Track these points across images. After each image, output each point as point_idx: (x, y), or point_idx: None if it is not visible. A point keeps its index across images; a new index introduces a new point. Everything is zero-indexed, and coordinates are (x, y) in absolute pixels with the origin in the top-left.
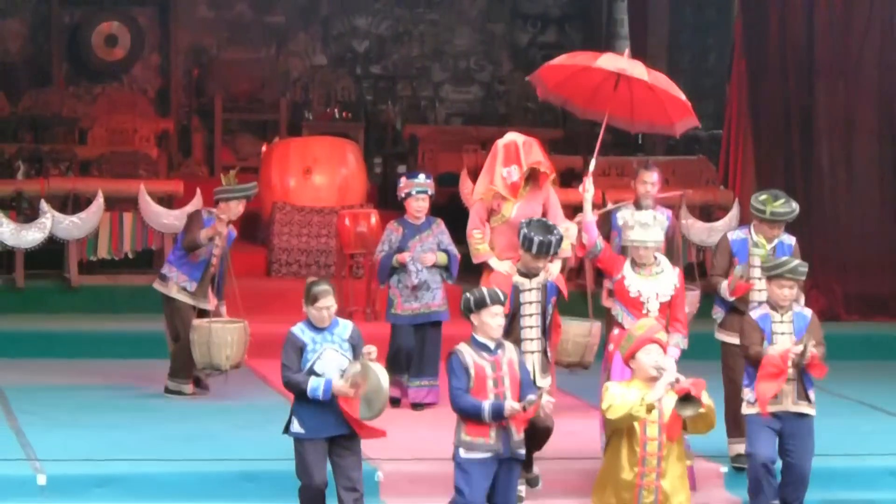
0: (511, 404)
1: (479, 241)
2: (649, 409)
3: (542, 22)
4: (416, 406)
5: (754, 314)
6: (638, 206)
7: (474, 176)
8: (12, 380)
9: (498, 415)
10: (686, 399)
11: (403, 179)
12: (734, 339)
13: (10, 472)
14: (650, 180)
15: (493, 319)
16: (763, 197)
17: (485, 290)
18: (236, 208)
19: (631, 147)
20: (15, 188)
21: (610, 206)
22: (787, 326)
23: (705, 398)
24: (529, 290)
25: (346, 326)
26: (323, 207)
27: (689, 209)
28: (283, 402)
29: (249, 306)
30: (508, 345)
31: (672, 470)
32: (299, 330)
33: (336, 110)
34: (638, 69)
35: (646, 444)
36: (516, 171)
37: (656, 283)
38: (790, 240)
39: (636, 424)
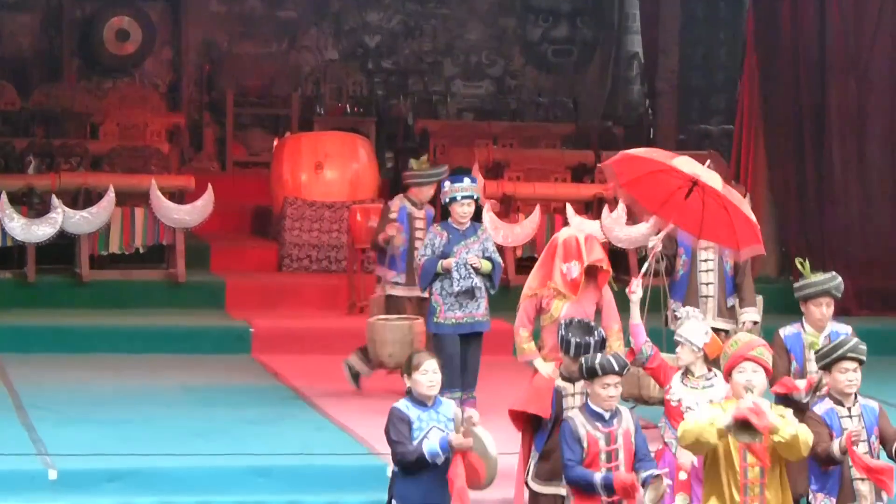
0: (621, 476)
1: (525, 340)
2: (721, 434)
3: (554, 16)
4: None
5: (818, 409)
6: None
7: (485, 171)
8: (23, 374)
9: (610, 488)
10: (745, 425)
11: (447, 183)
12: None
13: (21, 466)
14: None
15: (605, 391)
16: (802, 277)
17: (599, 357)
18: (427, 192)
19: (643, 141)
20: (26, 183)
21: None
22: (855, 422)
23: (771, 419)
24: (573, 395)
25: (448, 406)
26: (334, 202)
27: None
28: (292, 395)
29: (260, 301)
30: (625, 413)
31: (776, 499)
32: (404, 406)
33: (347, 105)
34: (714, 179)
35: (746, 471)
36: (577, 266)
37: (702, 396)
38: (845, 329)
39: (733, 451)
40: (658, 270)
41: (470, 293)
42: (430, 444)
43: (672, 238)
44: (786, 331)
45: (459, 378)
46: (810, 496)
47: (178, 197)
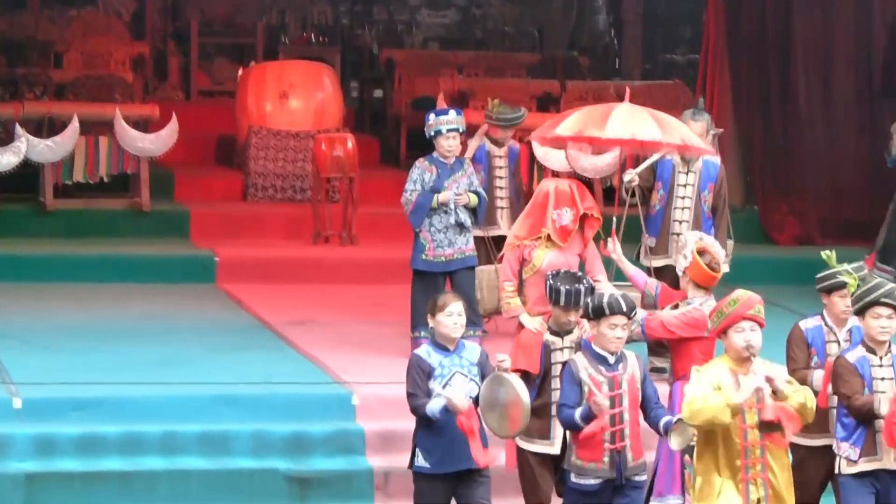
0: (597, 399)
1: (511, 295)
2: (734, 412)
3: None
4: None
5: (850, 356)
6: (682, 155)
7: (451, 100)
8: None
9: (588, 416)
10: (770, 424)
11: (431, 116)
12: (818, 441)
13: None
14: (696, 132)
15: (612, 331)
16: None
17: (606, 295)
18: (506, 134)
19: (608, 71)
20: None
21: (655, 157)
22: (888, 371)
23: (795, 397)
24: (561, 349)
25: (473, 349)
26: (299, 132)
27: None
28: (257, 324)
29: (225, 231)
30: (632, 359)
31: (778, 460)
32: (425, 353)
33: (312, 34)
34: (650, 129)
35: (746, 433)
36: (568, 213)
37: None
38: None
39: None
40: (633, 203)
41: (459, 228)
42: (432, 406)
43: (651, 169)
44: (806, 323)
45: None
46: (835, 444)
47: (143, 126)
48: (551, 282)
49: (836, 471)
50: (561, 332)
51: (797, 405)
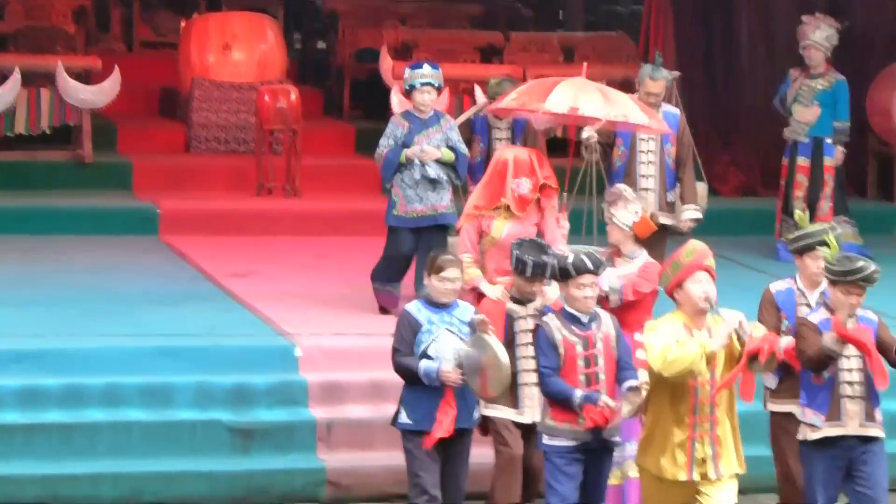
0: (606, 400)
1: (469, 265)
2: (709, 360)
3: None
4: None
5: (814, 318)
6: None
7: (394, 52)
8: None
9: (590, 403)
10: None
11: (407, 70)
12: (790, 408)
13: None
14: (655, 90)
15: (580, 291)
16: (795, 219)
17: (570, 256)
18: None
19: (552, 23)
20: None
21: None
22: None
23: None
24: (524, 317)
25: (466, 309)
26: (242, 83)
27: (610, 85)
28: (200, 276)
29: (167, 183)
30: (605, 317)
31: (727, 418)
32: (415, 308)
33: None
34: (590, 105)
35: (696, 390)
36: (527, 182)
37: (614, 273)
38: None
39: None
40: (591, 160)
41: (431, 184)
42: (427, 365)
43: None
44: (777, 286)
45: (403, 274)
46: (799, 411)
47: (85, 78)
48: (517, 252)
49: (801, 437)
50: (524, 300)
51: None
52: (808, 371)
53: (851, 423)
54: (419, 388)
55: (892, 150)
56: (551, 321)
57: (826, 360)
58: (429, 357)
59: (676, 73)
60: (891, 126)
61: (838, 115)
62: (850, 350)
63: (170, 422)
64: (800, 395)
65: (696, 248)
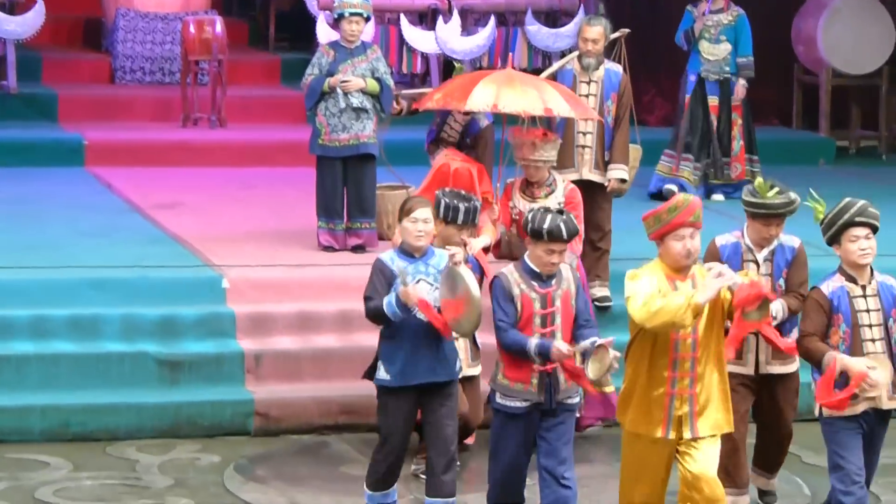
0: (559, 346)
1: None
2: (696, 313)
3: None
4: (357, 249)
5: (826, 288)
6: (580, 59)
7: None
8: None
9: (545, 356)
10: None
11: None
12: (733, 368)
13: None
14: (591, 36)
15: (548, 256)
16: (754, 186)
17: (547, 220)
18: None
19: None
20: None
21: (554, 66)
22: (873, 301)
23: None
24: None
25: (441, 257)
26: (167, 14)
27: (535, 15)
28: (126, 207)
29: (93, 114)
30: (566, 274)
31: (710, 375)
32: (389, 259)
33: None
34: (513, 99)
35: (677, 344)
36: None
37: (541, 204)
38: (793, 242)
39: None
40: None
41: (355, 113)
42: (387, 300)
43: (551, 79)
44: (722, 239)
45: (342, 206)
46: (813, 385)
47: (9, 8)
48: (446, 200)
49: (819, 414)
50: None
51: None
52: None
53: (879, 397)
54: (396, 340)
55: (817, 79)
56: (510, 274)
57: (816, 363)
58: (407, 308)
59: (625, 31)
60: (815, 56)
61: (742, 49)
62: (872, 318)
63: (97, 354)
64: (810, 368)
65: (680, 204)
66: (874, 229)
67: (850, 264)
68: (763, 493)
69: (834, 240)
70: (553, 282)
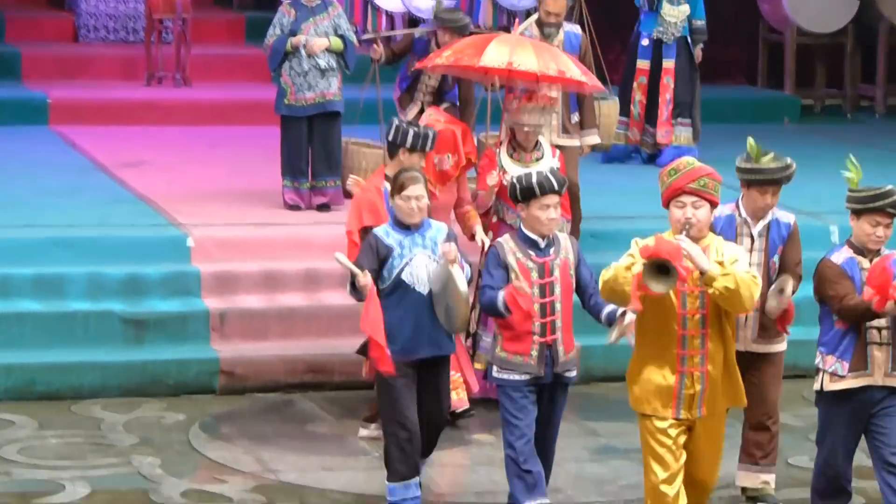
0: (518, 285)
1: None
2: (704, 276)
3: None
4: (322, 208)
5: (836, 258)
6: (541, 27)
7: None
8: None
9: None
10: (659, 269)
11: None
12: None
13: None
14: (555, 10)
15: (544, 213)
16: (747, 151)
17: (536, 175)
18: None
19: None
20: None
21: (516, 29)
22: None
23: (702, 264)
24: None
25: (439, 229)
26: None
27: None
28: (91, 166)
29: (57, 72)
30: (564, 241)
31: (720, 352)
32: (384, 232)
33: None
34: (528, 59)
35: (685, 321)
36: (450, 159)
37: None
38: (788, 218)
39: (672, 296)
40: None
41: (320, 72)
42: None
43: None
44: (717, 210)
45: (307, 165)
46: (818, 357)
47: None
48: (396, 122)
49: (818, 387)
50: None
51: (721, 288)
52: (828, 312)
53: (878, 373)
54: (396, 315)
55: (783, 38)
56: (506, 243)
57: (870, 316)
58: (404, 283)
59: None
60: (781, 14)
61: (696, 13)
62: None
63: (63, 313)
64: (819, 340)
65: (681, 167)
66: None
67: (861, 243)
68: (753, 498)
69: (856, 213)
70: (551, 251)
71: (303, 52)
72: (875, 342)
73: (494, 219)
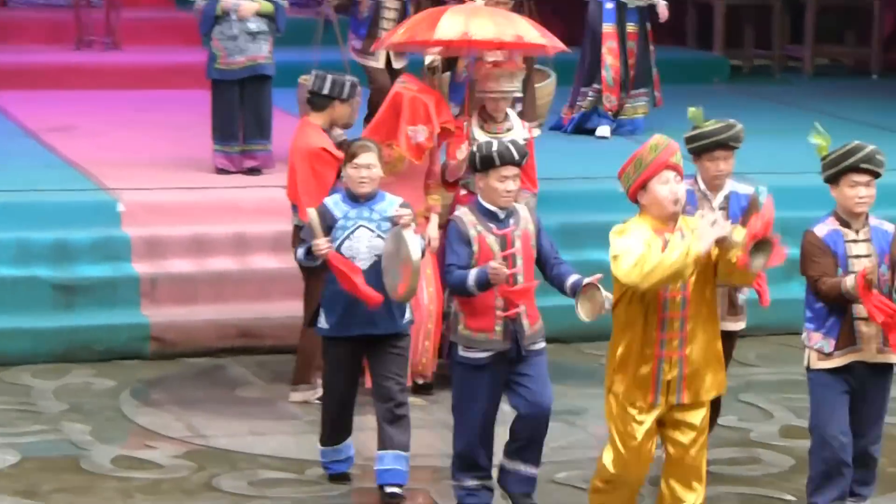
0: (493, 264)
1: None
2: (697, 262)
3: None
4: (252, 171)
5: (819, 231)
6: None
7: None
8: None
9: (484, 281)
10: (759, 245)
11: None
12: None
13: None
14: None
15: (502, 184)
16: (690, 120)
17: (496, 144)
18: None
19: None
20: None
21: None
22: (864, 247)
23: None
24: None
25: (390, 203)
26: None
27: None
28: (20, 132)
29: None
30: (523, 213)
31: (702, 335)
32: (332, 202)
33: None
34: (483, 27)
35: (666, 303)
36: (424, 131)
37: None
38: (747, 190)
39: None
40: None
41: (251, 36)
42: (301, 247)
43: None
44: None
45: (238, 129)
46: (804, 334)
47: None
48: (325, 74)
49: (806, 364)
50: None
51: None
52: (813, 296)
53: (868, 348)
54: (337, 289)
55: None
56: (465, 216)
57: (843, 300)
58: (343, 255)
59: None
60: None
61: None
62: (864, 265)
63: None
64: (805, 316)
65: (660, 142)
66: (877, 176)
67: (846, 210)
68: None
69: (832, 180)
70: (511, 222)
71: (233, 16)
72: (862, 317)
73: (464, 192)
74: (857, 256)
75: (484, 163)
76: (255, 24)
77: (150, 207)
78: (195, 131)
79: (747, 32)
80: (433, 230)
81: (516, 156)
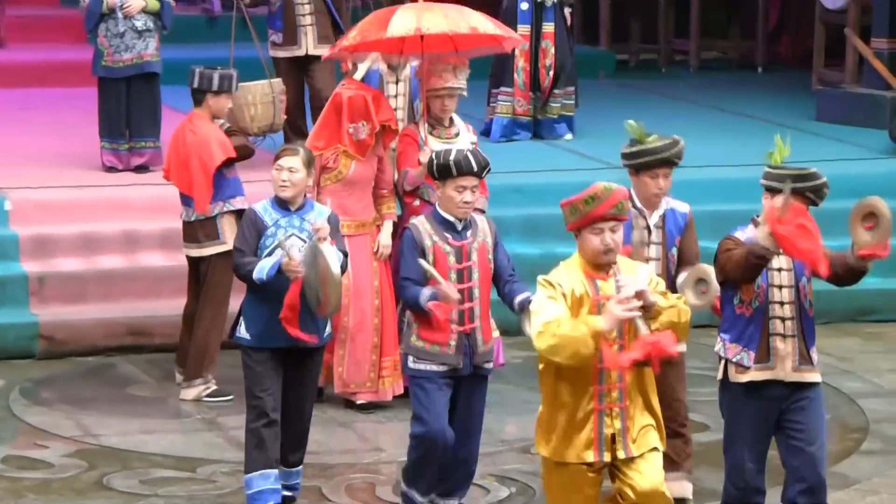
0: (445, 289)
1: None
2: (600, 339)
3: None
4: (140, 169)
5: (741, 236)
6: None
7: None
8: None
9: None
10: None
11: None
12: None
13: None
14: None
15: (460, 195)
16: (630, 134)
17: (455, 153)
18: None
19: None
20: None
21: None
22: (785, 260)
23: (667, 314)
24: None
25: (320, 212)
26: None
27: None
28: None
29: None
30: (481, 224)
31: (639, 385)
32: (262, 208)
33: None
34: (436, 21)
35: (601, 375)
36: (365, 127)
37: (455, 146)
38: (684, 208)
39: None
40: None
41: (137, 33)
42: (262, 265)
43: None
44: None
45: (126, 126)
46: (718, 345)
47: None
48: (198, 69)
49: (720, 377)
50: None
51: (666, 323)
52: (731, 296)
53: (782, 366)
54: (260, 298)
55: None
56: (421, 224)
57: (755, 265)
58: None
59: None
60: None
61: None
62: (783, 279)
63: None
64: (720, 327)
65: (600, 194)
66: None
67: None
68: None
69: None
70: (468, 234)
71: (119, 13)
72: (778, 333)
73: (418, 202)
74: (779, 270)
75: (441, 172)
76: (141, 22)
77: (38, 205)
78: (83, 129)
79: (633, 26)
80: (385, 237)
81: (475, 167)
